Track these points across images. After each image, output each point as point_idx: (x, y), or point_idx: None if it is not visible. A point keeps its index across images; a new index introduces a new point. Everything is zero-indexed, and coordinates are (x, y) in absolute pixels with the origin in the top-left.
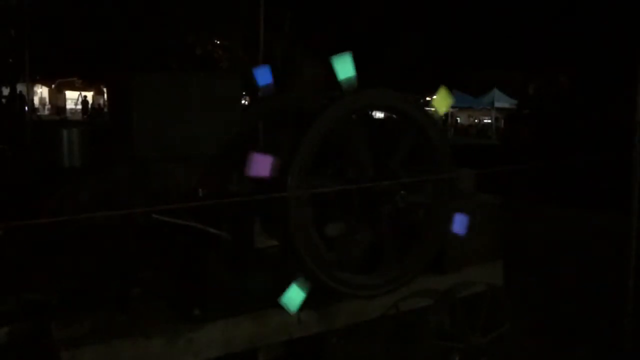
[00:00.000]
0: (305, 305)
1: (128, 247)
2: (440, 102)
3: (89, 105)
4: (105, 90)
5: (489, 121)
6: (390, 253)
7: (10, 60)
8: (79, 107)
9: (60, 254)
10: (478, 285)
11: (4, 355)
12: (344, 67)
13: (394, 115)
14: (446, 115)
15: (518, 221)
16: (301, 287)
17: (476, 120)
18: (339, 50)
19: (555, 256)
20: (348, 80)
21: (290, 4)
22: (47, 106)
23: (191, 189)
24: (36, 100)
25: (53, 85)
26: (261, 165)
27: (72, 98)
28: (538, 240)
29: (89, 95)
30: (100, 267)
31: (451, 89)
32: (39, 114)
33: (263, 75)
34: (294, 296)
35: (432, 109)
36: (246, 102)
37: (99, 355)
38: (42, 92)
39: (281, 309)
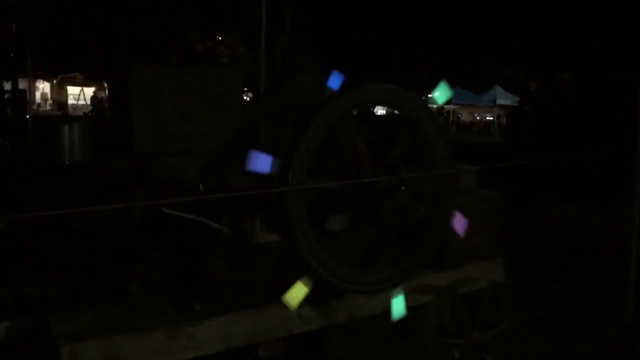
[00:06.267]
0: (306, 300)
1: (128, 242)
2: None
3: (97, 102)
4: (106, 85)
5: (491, 118)
6: (391, 249)
7: (12, 55)
8: (82, 102)
9: (59, 248)
10: (479, 282)
11: (3, 350)
12: (443, 94)
13: (395, 111)
14: (448, 112)
15: (519, 218)
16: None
17: (478, 118)
18: (339, 48)
19: (556, 253)
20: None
21: (291, 2)
22: (49, 101)
23: (192, 184)
24: (38, 96)
25: (55, 81)
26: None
27: (73, 93)
28: (539, 236)
29: (90, 90)
30: (99, 262)
31: (453, 86)
32: (40, 109)
33: (335, 81)
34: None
35: (432, 101)
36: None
37: (98, 350)
38: (43, 87)
39: (282, 304)
